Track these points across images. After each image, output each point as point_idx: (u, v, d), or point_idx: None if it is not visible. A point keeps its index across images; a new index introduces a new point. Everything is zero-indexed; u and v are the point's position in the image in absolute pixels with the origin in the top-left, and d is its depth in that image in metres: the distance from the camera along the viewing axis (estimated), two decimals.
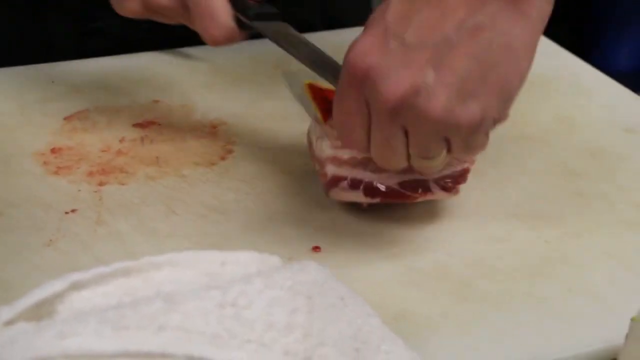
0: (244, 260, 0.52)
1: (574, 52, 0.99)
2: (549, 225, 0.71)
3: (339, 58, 0.64)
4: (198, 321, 0.46)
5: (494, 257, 0.68)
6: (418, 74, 0.58)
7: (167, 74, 0.92)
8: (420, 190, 0.69)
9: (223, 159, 0.79)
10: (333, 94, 0.63)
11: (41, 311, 0.48)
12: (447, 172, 0.69)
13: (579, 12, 2.12)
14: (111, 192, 0.74)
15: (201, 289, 0.48)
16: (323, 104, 0.71)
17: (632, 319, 0.52)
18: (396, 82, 0.58)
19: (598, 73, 0.95)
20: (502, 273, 0.66)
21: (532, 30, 0.60)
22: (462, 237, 0.70)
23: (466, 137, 0.59)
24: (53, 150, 0.79)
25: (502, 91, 0.59)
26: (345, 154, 0.68)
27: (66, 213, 0.71)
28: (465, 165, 0.70)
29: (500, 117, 0.60)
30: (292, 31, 0.73)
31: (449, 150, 0.61)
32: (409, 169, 0.67)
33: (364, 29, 0.60)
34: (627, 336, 0.52)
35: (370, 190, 0.69)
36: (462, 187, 0.70)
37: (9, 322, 0.47)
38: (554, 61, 0.96)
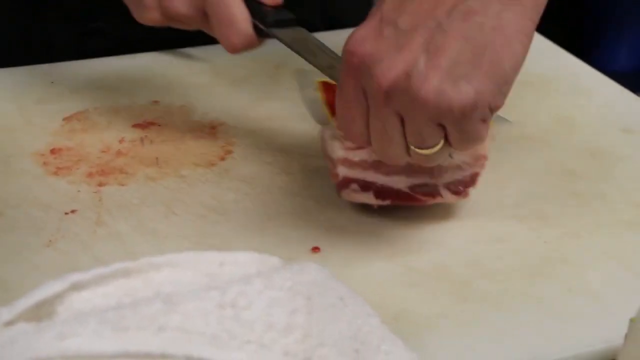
0: (243, 261, 0.52)
1: (574, 52, 0.99)
2: (549, 226, 0.71)
3: None
4: (198, 322, 0.46)
5: (493, 257, 0.68)
6: (410, 57, 0.58)
7: (167, 75, 0.92)
8: (430, 194, 0.70)
9: (222, 159, 0.79)
10: None
11: (41, 312, 0.48)
12: (457, 176, 0.69)
13: (579, 12, 2.12)
14: (111, 193, 0.74)
15: (201, 290, 0.48)
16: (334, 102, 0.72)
17: (631, 320, 0.52)
18: (389, 66, 0.59)
19: (597, 73, 0.95)
20: (502, 273, 0.66)
21: (524, 16, 0.60)
22: (462, 237, 0.70)
23: (460, 122, 0.59)
24: (53, 151, 0.79)
25: (495, 74, 0.59)
26: (356, 157, 0.68)
27: (66, 214, 0.71)
28: (476, 169, 0.70)
29: (495, 102, 0.60)
30: (308, 36, 0.74)
31: (446, 140, 0.61)
32: (419, 171, 0.67)
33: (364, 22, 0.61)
34: (626, 336, 0.52)
35: (381, 192, 0.69)
36: None
37: (9, 323, 0.47)
38: (553, 61, 0.96)
